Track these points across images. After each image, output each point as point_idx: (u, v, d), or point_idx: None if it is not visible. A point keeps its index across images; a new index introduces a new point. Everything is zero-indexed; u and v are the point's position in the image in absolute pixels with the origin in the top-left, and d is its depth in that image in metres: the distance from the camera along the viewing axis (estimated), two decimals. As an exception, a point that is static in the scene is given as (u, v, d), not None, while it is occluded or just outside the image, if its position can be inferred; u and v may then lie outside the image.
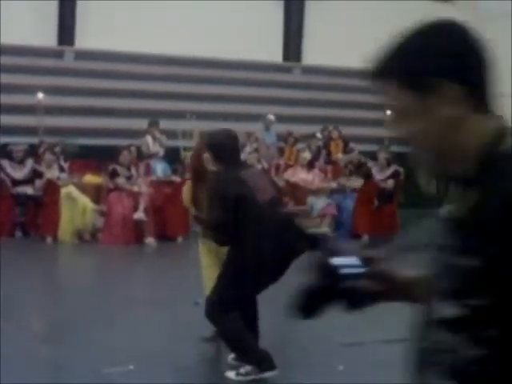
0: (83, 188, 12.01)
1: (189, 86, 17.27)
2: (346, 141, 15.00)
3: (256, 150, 14.59)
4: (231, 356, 5.78)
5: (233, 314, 5.47)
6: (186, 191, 6.38)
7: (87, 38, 17.49)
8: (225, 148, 5.54)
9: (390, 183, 13.64)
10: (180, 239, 11.86)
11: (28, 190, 12.08)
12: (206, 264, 6.21)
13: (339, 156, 14.41)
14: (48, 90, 14.08)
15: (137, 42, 17.07)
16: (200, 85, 17.44)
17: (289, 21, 19.75)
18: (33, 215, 12.02)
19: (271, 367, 5.48)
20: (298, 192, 13.10)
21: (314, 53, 19.39)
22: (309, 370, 5.64)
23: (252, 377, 5.49)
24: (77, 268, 10.49)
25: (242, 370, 5.54)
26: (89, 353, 5.99)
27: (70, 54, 17.52)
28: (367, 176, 13.50)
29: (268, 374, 5.48)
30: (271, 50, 19.27)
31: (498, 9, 19.29)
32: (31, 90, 14.31)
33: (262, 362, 5.50)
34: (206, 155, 5.64)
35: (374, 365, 5.74)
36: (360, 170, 13.58)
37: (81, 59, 17.41)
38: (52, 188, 11.79)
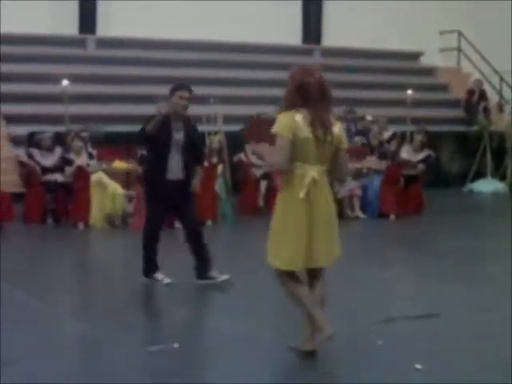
0: (112, 174, 12.13)
1: (212, 71, 17.33)
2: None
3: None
4: None
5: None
6: None
7: (108, 25, 17.63)
8: None
9: (421, 167, 13.88)
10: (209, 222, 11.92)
11: (58, 177, 12.21)
12: None
13: (356, 138, 14.28)
14: (72, 79, 14.17)
15: (157, 29, 17.16)
16: (223, 69, 17.53)
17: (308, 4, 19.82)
18: (63, 202, 12.14)
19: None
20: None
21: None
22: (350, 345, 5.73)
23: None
24: (108, 253, 10.59)
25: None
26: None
27: (92, 43, 17.64)
28: (385, 156, 13.50)
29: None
30: (291, 33, 19.32)
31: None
32: (56, 78, 14.40)
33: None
34: None
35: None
36: (380, 150, 13.59)
37: (102, 47, 17.54)
38: (82, 175, 11.91)
